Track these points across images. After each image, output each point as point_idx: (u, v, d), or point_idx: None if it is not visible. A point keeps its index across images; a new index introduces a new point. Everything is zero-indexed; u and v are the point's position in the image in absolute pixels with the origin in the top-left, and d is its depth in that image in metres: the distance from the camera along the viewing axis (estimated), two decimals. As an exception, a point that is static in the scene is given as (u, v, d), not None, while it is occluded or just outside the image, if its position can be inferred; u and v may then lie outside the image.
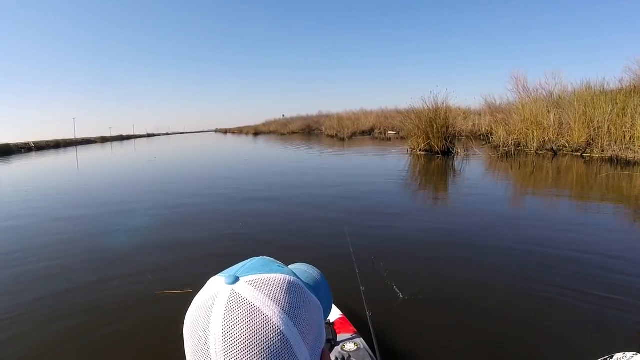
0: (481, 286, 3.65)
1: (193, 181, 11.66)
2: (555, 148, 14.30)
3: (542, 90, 20.17)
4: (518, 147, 15.33)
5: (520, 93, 21.38)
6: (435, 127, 14.36)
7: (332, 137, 32.77)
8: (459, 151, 14.76)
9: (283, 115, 62.42)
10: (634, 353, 1.79)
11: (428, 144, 14.64)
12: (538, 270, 3.99)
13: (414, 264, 4.37)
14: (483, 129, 22.42)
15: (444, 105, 14.50)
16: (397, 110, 34.89)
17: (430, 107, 14.58)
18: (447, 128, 14.54)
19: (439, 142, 14.43)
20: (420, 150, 15.11)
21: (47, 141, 60.91)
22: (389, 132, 31.15)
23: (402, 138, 26.58)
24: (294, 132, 47.22)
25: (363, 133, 33.66)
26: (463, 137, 18.39)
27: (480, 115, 24.04)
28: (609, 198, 7.56)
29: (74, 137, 75.22)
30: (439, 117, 14.20)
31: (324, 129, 39.54)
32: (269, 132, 56.14)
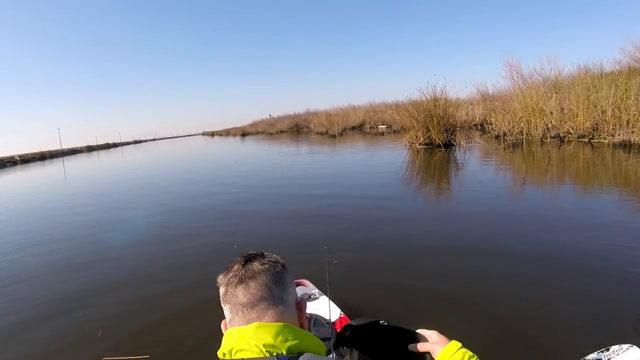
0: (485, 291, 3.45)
1: (177, 193, 10.39)
2: (561, 135, 13.38)
3: (538, 76, 19.37)
4: (520, 135, 14.38)
5: (514, 79, 20.60)
6: (435, 118, 13.29)
7: (322, 134, 31.57)
8: (461, 143, 13.70)
9: (270, 115, 61.08)
10: (630, 345, 1.82)
11: (428, 136, 13.58)
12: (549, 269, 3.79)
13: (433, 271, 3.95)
14: (477, 119, 21.54)
15: (443, 95, 13.47)
16: (386, 103, 34.40)
17: (429, 98, 13.52)
18: (448, 119, 13.49)
19: (439, 134, 13.36)
20: (419, 144, 14.03)
21: (32, 153, 59.15)
22: (380, 126, 30.18)
23: (395, 132, 25.67)
24: (282, 132, 46.05)
25: (353, 128, 32.68)
26: (465, 127, 17.34)
27: (472, 104, 23.15)
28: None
29: (59, 148, 73.18)
30: (439, 108, 13.16)
31: (312, 126, 38.46)
32: (257, 133, 54.83)
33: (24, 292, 4.36)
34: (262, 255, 0.98)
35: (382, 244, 4.75)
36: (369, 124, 32.20)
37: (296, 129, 45.31)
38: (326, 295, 2.59)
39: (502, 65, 21.45)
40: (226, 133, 76.33)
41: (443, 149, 13.26)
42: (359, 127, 32.92)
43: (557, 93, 14.78)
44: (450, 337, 1.18)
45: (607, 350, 1.87)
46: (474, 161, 11.14)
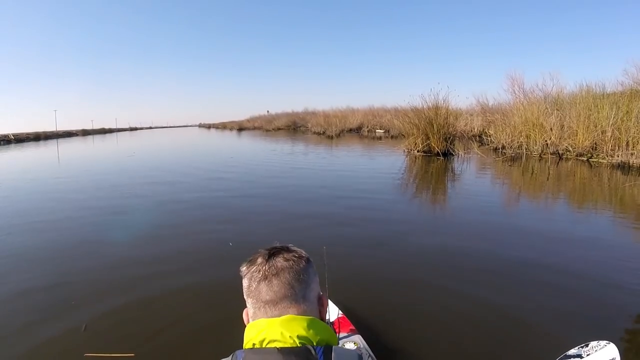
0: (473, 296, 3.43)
1: (172, 185, 9.87)
2: (560, 152, 13.22)
3: (539, 91, 19.23)
4: (519, 149, 14.20)
5: (516, 93, 20.48)
6: (435, 126, 13.07)
7: (320, 134, 31.27)
8: (461, 153, 13.50)
9: (268, 111, 60.70)
10: (607, 342, 1.88)
11: (427, 144, 13.36)
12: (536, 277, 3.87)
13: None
14: (475, 129, 21.40)
15: (445, 103, 13.26)
16: (384, 108, 34.23)
17: (431, 106, 13.29)
18: (448, 128, 13.28)
19: (439, 143, 13.15)
20: (417, 151, 13.83)
21: (27, 133, 58.12)
22: (378, 131, 30.00)
23: (393, 137, 25.43)
24: (279, 129, 45.78)
25: (350, 131, 32.46)
26: (464, 137, 17.12)
27: (472, 115, 23.02)
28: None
29: (55, 130, 72.08)
30: (440, 116, 12.94)
31: (309, 125, 38.19)
32: (254, 128, 54.40)
33: (4, 277, 4.02)
34: (287, 250, 0.96)
35: (379, 246, 4.75)
36: (367, 127, 31.97)
37: (293, 127, 45.06)
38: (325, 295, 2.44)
39: (505, 78, 21.44)
40: (223, 126, 75.87)
41: (442, 157, 13.06)
42: (357, 129, 32.70)
43: (557, 110, 14.64)
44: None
45: (587, 346, 1.94)
46: (472, 172, 10.96)
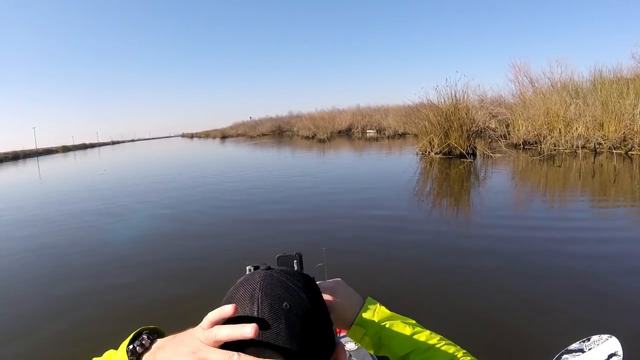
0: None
1: (145, 209, 7.99)
2: (595, 146, 11.31)
3: (547, 79, 17.48)
4: (544, 144, 12.22)
5: (520, 83, 18.75)
6: (455, 123, 10.95)
7: (309, 138, 28.89)
8: (486, 152, 11.38)
9: (250, 117, 58.25)
10: (609, 335, 1.77)
11: (447, 144, 11.23)
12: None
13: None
14: (480, 124, 19.50)
15: (465, 96, 11.20)
16: (372, 107, 32.28)
17: (449, 100, 11.21)
18: (471, 125, 11.20)
19: (461, 142, 11.01)
20: (435, 153, 11.72)
21: (5, 153, 55.39)
22: (369, 131, 27.93)
23: (389, 137, 23.44)
24: (263, 134, 43.41)
25: (340, 133, 30.29)
26: (486, 134, 15.00)
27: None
28: None
29: (34, 148, 68.96)
30: (460, 111, 10.86)
31: (295, 129, 35.93)
32: (237, 135, 52.03)
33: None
34: None
35: (380, 246, 4.68)
36: (357, 128, 29.84)
37: (279, 132, 42.73)
38: None
39: (508, 68, 19.72)
40: (205, 135, 73.22)
41: (468, 159, 10.95)
42: (346, 131, 30.56)
43: (575, 98, 12.83)
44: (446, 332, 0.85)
45: (588, 340, 1.80)
46: (514, 178, 8.97)
